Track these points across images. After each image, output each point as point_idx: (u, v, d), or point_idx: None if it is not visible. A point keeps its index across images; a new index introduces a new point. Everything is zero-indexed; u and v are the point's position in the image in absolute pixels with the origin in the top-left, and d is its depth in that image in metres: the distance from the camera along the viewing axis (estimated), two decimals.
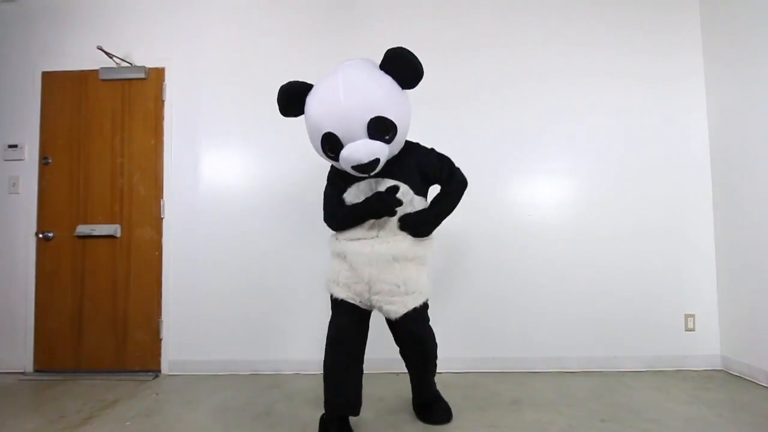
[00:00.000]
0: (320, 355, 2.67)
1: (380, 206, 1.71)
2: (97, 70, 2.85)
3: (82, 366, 2.77)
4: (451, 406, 2.02)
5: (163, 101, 2.87)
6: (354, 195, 1.82)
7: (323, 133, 1.68)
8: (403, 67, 1.68)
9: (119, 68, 2.83)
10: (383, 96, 1.66)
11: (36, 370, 2.78)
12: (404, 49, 1.67)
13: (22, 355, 2.79)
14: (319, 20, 2.88)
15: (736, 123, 2.56)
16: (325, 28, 2.87)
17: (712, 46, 2.75)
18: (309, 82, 1.79)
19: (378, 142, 1.65)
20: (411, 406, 2.11)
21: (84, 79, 2.88)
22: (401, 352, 1.96)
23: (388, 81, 1.68)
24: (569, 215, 2.76)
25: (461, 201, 1.90)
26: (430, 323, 1.91)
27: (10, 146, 2.87)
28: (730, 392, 2.29)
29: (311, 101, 1.72)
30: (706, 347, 2.70)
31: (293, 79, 2.78)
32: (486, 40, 2.84)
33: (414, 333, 1.84)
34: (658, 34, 2.81)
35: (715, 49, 2.72)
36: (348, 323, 1.84)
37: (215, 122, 2.86)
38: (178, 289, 2.79)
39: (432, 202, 1.86)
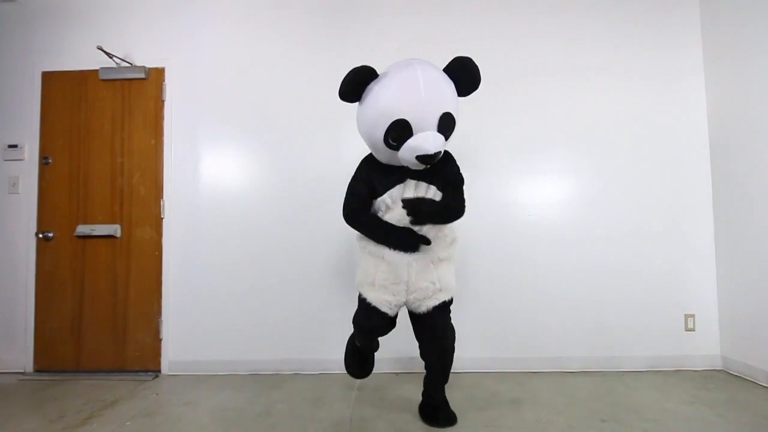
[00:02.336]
0: (319, 356, 2.71)
1: (409, 244, 1.84)
2: (97, 70, 2.85)
3: (82, 366, 2.77)
4: (451, 406, 2.00)
5: (163, 101, 2.87)
6: (390, 198, 1.87)
7: (395, 119, 1.71)
8: (467, 76, 1.85)
9: (119, 68, 2.83)
10: (451, 96, 1.81)
11: (36, 370, 2.78)
12: (472, 60, 1.85)
13: (22, 355, 2.79)
14: (319, 19, 2.87)
15: (737, 121, 2.56)
16: (325, 27, 2.87)
17: (711, 42, 2.74)
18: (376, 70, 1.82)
19: (442, 137, 1.76)
20: (411, 406, 2.11)
21: (84, 79, 2.88)
22: (421, 348, 1.98)
23: (452, 83, 1.82)
24: (569, 215, 2.76)
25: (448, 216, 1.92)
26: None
27: (10, 146, 2.87)
28: (730, 392, 2.29)
29: (383, 88, 1.75)
30: (706, 347, 2.69)
31: (292, 77, 2.83)
32: (484, 37, 2.83)
33: (438, 323, 1.90)
34: (657, 31, 2.81)
35: (715, 46, 2.71)
36: (378, 323, 1.90)
37: (215, 122, 2.85)
38: (178, 289, 2.79)
39: (441, 202, 1.90)
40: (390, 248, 1.88)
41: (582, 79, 2.80)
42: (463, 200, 1.94)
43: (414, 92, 1.71)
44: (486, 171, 2.78)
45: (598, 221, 2.75)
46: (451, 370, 2.03)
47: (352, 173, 1.97)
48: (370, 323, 1.90)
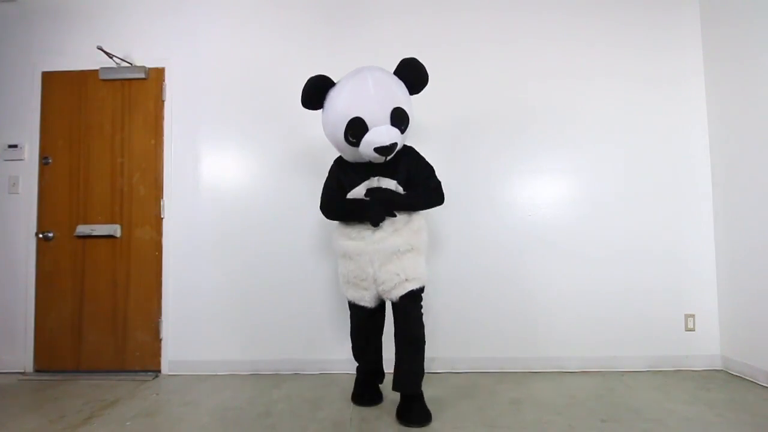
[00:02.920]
0: (319, 356, 2.72)
1: (373, 213, 1.97)
2: (97, 70, 2.84)
3: (82, 366, 2.77)
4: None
5: (163, 101, 2.87)
6: (356, 195, 2.05)
7: (351, 118, 1.90)
8: (414, 75, 2.03)
9: (119, 68, 2.83)
10: (401, 93, 1.99)
11: (36, 370, 2.78)
12: (416, 59, 2.03)
13: (22, 355, 2.79)
14: (318, 19, 2.87)
15: (737, 122, 2.56)
16: (325, 27, 2.87)
17: (712, 44, 2.74)
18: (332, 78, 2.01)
19: (396, 130, 1.93)
20: None
21: (84, 79, 2.88)
22: (395, 336, 2.05)
23: (402, 83, 2.01)
24: (569, 215, 2.76)
25: (441, 204, 2.13)
26: (424, 319, 2.06)
27: (10, 146, 2.86)
28: (730, 392, 2.29)
29: (338, 93, 1.95)
30: (706, 347, 2.69)
31: (292, 77, 2.82)
32: (484, 39, 2.83)
33: (409, 313, 2.01)
34: (657, 32, 2.81)
35: (716, 47, 2.71)
36: (362, 319, 2.14)
37: (215, 122, 2.85)
38: (178, 289, 2.79)
39: (408, 192, 2.06)
40: (355, 218, 2.03)
41: (581, 81, 2.80)
42: (437, 188, 2.10)
43: (364, 92, 1.91)
44: (486, 170, 2.78)
45: (598, 221, 2.75)
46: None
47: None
48: (357, 317, 2.15)
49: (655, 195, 2.75)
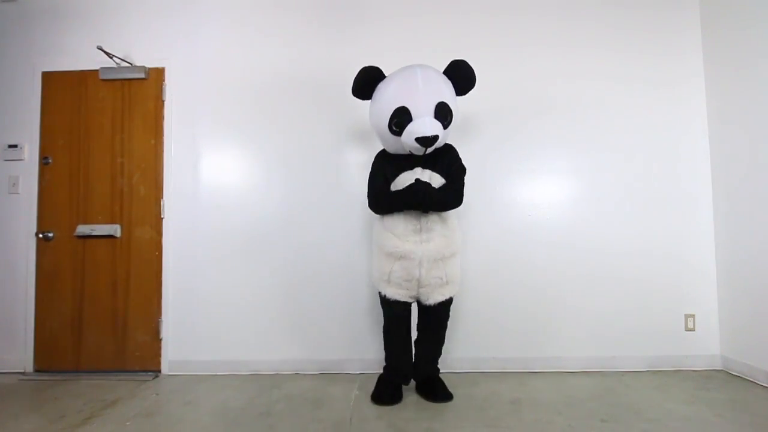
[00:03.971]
0: (319, 355, 2.72)
1: (417, 195, 2.01)
2: (97, 70, 2.84)
3: (82, 366, 2.77)
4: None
5: (163, 101, 2.87)
6: (401, 184, 2.10)
7: (397, 107, 1.99)
8: (462, 76, 2.13)
9: (119, 68, 2.83)
10: (447, 90, 2.08)
11: (36, 370, 2.78)
12: (466, 62, 2.14)
13: (22, 355, 2.79)
14: (318, 19, 2.87)
15: (737, 124, 2.56)
16: (325, 27, 2.87)
17: (712, 47, 2.74)
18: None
19: (439, 123, 2.01)
20: (411, 406, 2.13)
21: (84, 79, 2.88)
22: (420, 335, 2.26)
23: (449, 82, 2.11)
24: (569, 215, 2.76)
25: (452, 202, 2.14)
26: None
27: (10, 146, 2.86)
28: (730, 392, 2.29)
29: (387, 85, 2.07)
30: (706, 347, 2.69)
31: (292, 77, 2.83)
32: (484, 41, 2.83)
33: (441, 317, 2.20)
34: (657, 35, 2.81)
35: (716, 50, 2.71)
36: (400, 315, 2.18)
37: (215, 122, 2.85)
38: (178, 289, 2.79)
39: (439, 188, 2.11)
40: (405, 206, 2.06)
41: (583, 84, 2.80)
42: (459, 190, 2.15)
43: (412, 84, 2.01)
44: (486, 170, 2.77)
45: (597, 222, 2.75)
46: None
47: (364, 171, 2.27)
48: (395, 313, 2.16)
49: (655, 196, 2.75)
